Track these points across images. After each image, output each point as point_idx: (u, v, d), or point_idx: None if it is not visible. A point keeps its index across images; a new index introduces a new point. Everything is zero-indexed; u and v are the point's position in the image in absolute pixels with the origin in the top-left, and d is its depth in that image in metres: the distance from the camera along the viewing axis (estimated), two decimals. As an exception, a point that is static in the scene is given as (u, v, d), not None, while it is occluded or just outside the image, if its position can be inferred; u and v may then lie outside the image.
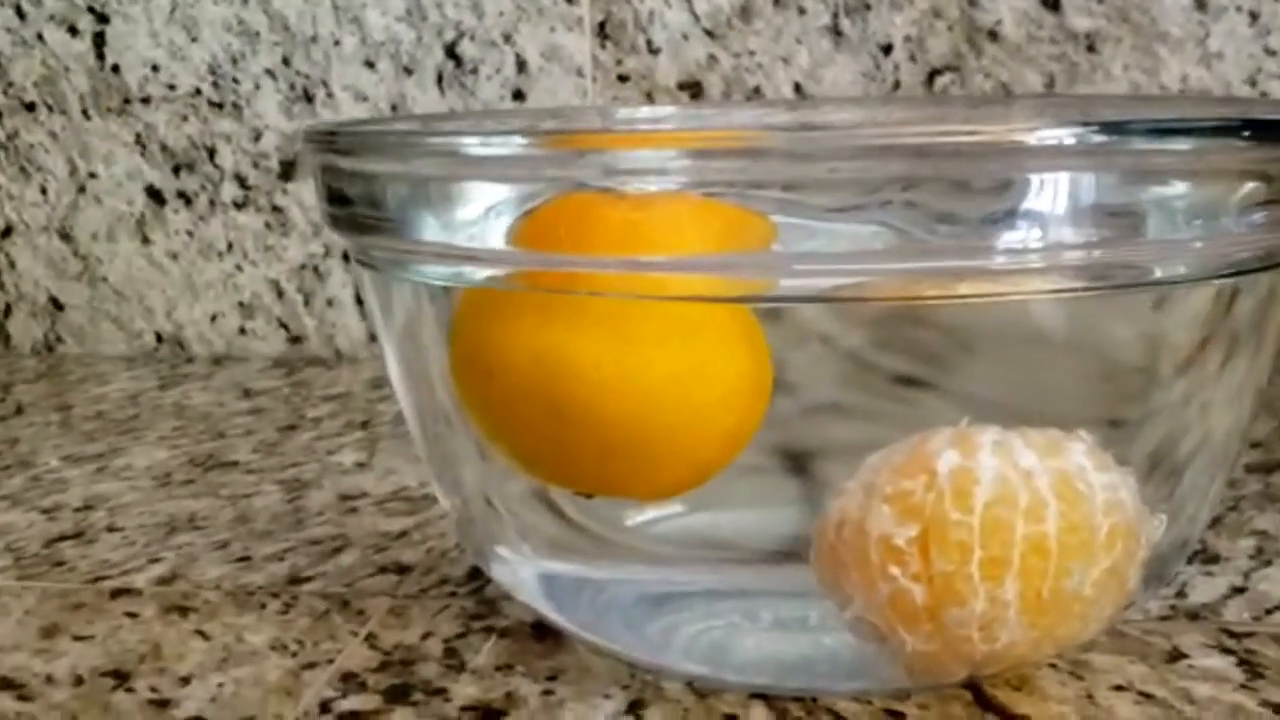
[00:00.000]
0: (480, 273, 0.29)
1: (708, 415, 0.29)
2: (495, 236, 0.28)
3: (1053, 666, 0.32)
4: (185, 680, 0.33)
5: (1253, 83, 0.60)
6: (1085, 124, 0.25)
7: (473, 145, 0.28)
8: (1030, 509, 0.27)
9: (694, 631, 0.32)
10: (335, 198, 0.31)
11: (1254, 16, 0.59)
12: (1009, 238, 0.25)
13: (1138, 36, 0.60)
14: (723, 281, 0.28)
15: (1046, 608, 0.27)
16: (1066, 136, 0.25)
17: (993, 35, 0.61)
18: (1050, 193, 0.25)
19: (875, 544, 0.28)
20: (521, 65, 0.66)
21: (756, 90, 0.64)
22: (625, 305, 0.28)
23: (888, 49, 0.62)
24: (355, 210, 0.30)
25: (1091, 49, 0.60)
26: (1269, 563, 0.38)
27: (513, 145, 0.28)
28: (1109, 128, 0.25)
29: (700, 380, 0.29)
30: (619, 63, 0.65)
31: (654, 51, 0.64)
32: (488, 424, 0.31)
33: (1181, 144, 0.25)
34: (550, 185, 0.27)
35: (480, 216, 0.28)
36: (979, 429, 0.28)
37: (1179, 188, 0.26)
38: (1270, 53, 0.59)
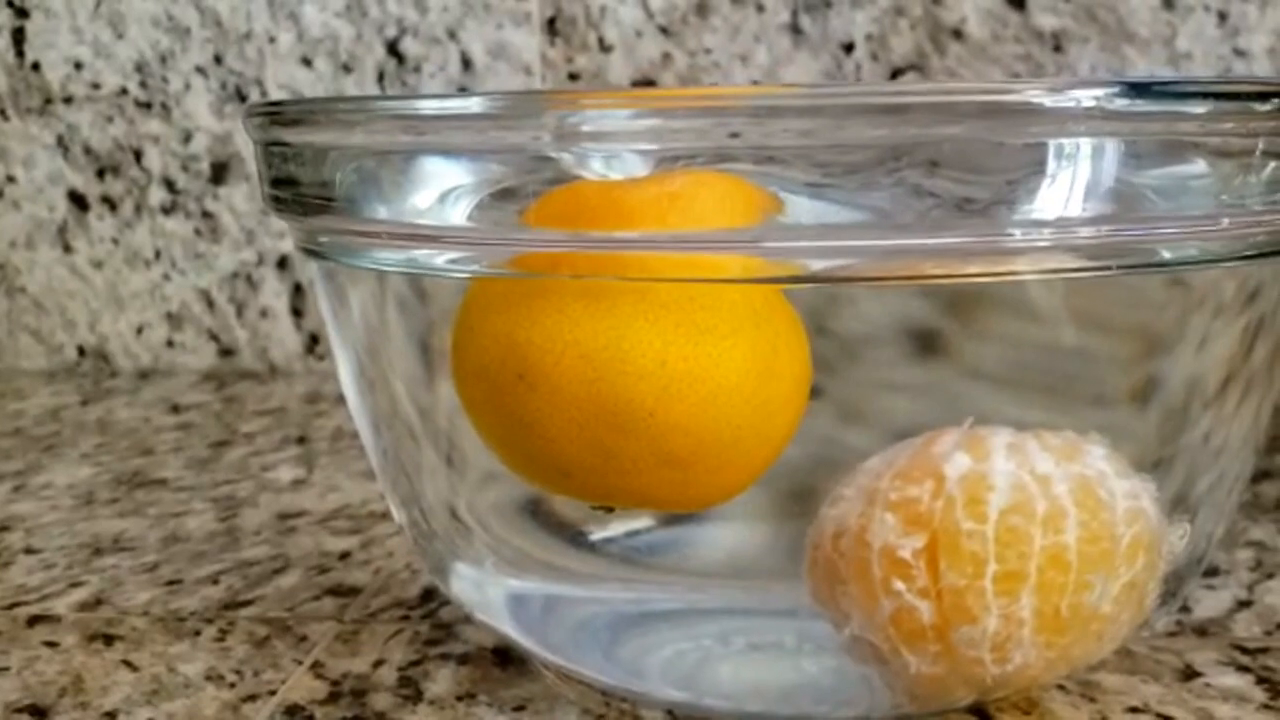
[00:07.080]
0: (445, 255, 0.26)
1: (772, 414, 0.26)
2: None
3: (1061, 688, 0.30)
4: (110, 715, 0.30)
5: (1221, 84, 0.58)
6: (1108, 85, 0.22)
7: (427, 106, 0.25)
8: (1049, 518, 0.25)
9: (673, 654, 0.29)
10: (279, 179, 0.28)
11: (1222, 16, 0.57)
12: (1021, 213, 0.23)
13: (1105, 36, 0.58)
14: (789, 264, 0.25)
15: (1064, 625, 0.25)
16: (1086, 99, 0.22)
17: (956, 34, 0.59)
18: (1068, 165, 0.23)
19: (877, 556, 0.25)
20: (467, 63, 0.63)
21: (712, 91, 0.61)
22: (688, 292, 0.25)
23: (849, 47, 0.60)
24: (302, 190, 0.27)
25: (1058, 49, 0.58)
26: (1271, 575, 0.36)
27: (471, 104, 0.25)
28: (1134, 90, 0.22)
29: (770, 376, 0.26)
30: (569, 60, 0.62)
31: (606, 49, 0.62)
32: (508, 435, 0.27)
33: (1205, 108, 0.23)
34: (510, 159, 0.25)
35: (436, 203, 0.25)
36: (989, 430, 0.26)
37: (1200, 165, 0.24)
38: (1239, 53, 0.57)
